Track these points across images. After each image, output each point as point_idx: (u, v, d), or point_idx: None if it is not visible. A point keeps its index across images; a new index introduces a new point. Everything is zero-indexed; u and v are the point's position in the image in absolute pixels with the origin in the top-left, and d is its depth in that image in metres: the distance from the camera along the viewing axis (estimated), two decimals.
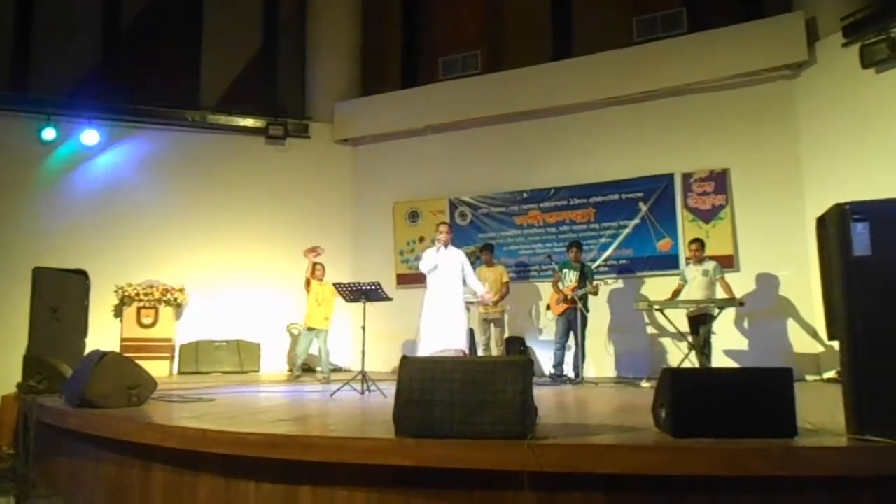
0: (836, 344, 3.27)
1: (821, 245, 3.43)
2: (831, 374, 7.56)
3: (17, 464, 5.66)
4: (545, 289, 9.24)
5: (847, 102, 7.99)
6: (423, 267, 7.08)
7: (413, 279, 9.68)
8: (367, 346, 6.68)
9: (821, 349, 7.95)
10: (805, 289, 7.90)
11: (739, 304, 7.48)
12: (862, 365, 3.04)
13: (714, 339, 7.75)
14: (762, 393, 3.18)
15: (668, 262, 8.98)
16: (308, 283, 8.54)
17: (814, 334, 8.04)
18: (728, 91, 8.97)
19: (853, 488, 2.82)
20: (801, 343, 8.20)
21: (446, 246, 7.11)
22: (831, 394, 4.31)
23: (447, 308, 6.99)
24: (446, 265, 7.10)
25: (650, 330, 8.96)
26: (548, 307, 8.61)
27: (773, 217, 8.52)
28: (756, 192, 8.69)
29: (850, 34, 7.88)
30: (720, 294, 7.75)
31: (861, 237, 3.09)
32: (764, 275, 8.49)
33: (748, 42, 8.68)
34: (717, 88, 9.01)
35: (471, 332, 8.30)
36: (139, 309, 9.69)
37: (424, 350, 6.76)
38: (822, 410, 3.80)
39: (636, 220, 9.25)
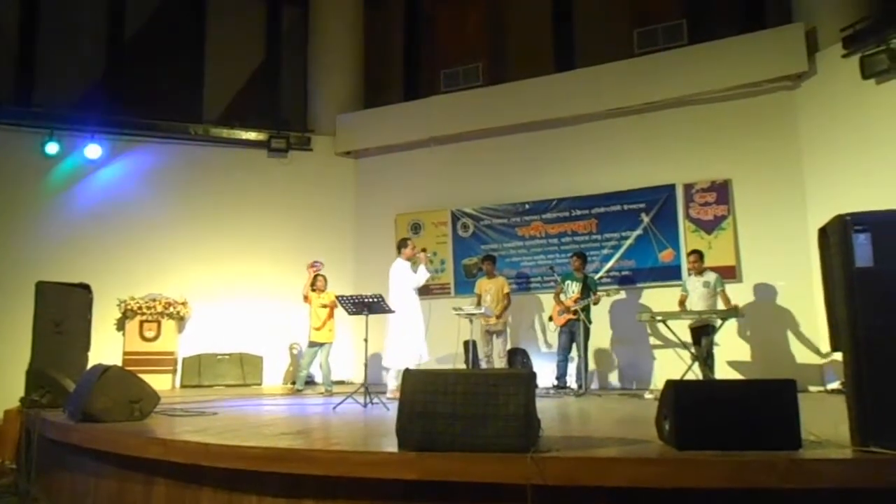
0: (839, 355, 3.26)
1: (823, 256, 3.42)
2: (835, 385, 7.54)
3: (20, 479, 5.64)
4: (547, 300, 9.23)
5: (848, 113, 8.00)
6: (417, 283, 7.50)
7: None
8: (369, 358, 6.66)
9: (824, 360, 7.93)
10: (808, 299, 7.88)
11: (740, 315, 7.45)
12: (865, 376, 3.03)
13: (717, 350, 7.73)
14: (766, 404, 3.17)
15: (671, 273, 8.96)
16: (306, 297, 8.54)
17: (817, 345, 8.02)
18: (729, 102, 8.99)
19: (858, 500, 2.80)
20: (805, 354, 8.18)
21: None
22: (835, 405, 4.29)
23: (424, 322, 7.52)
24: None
25: (653, 341, 8.94)
26: (550, 318, 8.60)
27: (775, 227, 8.52)
28: (758, 202, 8.69)
29: (850, 45, 7.91)
30: (722, 305, 7.74)
31: (863, 248, 3.09)
32: (766, 285, 8.48)
33: (749, 53, 8.71)
34: (718, 99, 9.03)
35: (473, 343, 8.31)
36: (142, 322, 9.70)
37: (410, 364, 6.92)
38: (826, 422, 3.78)
39: (638, 231, 9.25)
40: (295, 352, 10.23)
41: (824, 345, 7.73)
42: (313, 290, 8.52)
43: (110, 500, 4.30)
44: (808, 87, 8.56)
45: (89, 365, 6.08)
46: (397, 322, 7.29)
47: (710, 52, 8.99)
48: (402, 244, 7.75)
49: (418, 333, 7.32)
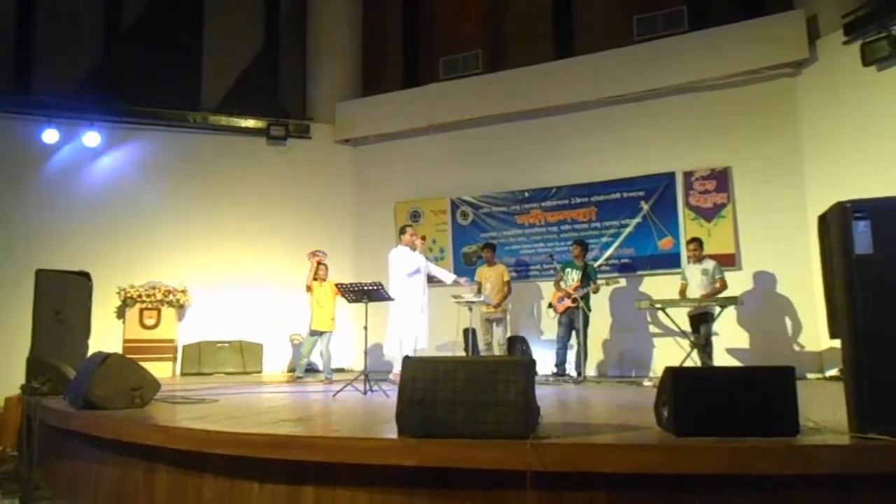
0: (837, 342, 3.27)
1: (822, 243, 3.42)
2: (833, 372, 7.57)
3: (21, 466, 5.67)
4: (547, 288, 9.24)
5: (848, 100, 7.99)
6: (409, 269, 7.29)
7: None
8: (369, 345, 6.67)
9: (823, 347, 7.95)
10: (807, 287, 7.90)
11: (739, 302, 7.46)
12: (864, 363, 3.04)
13: (716, 338, 7.75)
14: (764, 391, 3.18)
15: (670, 261, 8.97)
16: (309, 287, 8.52)
17: (815, 332, 8.03)
18: (729, 89, 8.97)
19: (856, 486, 2.82)
20: (803, 341, 8.21)
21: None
22: (834, 392, 4.31)
23: (424, 309, 7.43)
24: (423, 269, 7.56)
25: (652, 329, 8.96)
26: (549, 306, 8.61)
27: (774, 215, 8.52)
28: (758, 190, 8.69)
29: (851, 32, 7.89)
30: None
31: (863, 235, 3.09)
32: (765, 273, 8.49)
33: (749, 40, 8.68)
34: (718, 87, 9.01)
35: (472, 331, 8.33)
36: (141, 310, 9.71)
37: (407, 350, 6.90)
38: (824, 409, 3.80)
39: (638, 219, 9.25)
40: (296, 343, 10.22)
41: (823, 332, 7.75)
42: (315, 280, 8.52)
43: (112, 487, 4.33)
44: (809, 74, 8.54)
45: (89, 352, 6.09)
46: (394, 308, 7.31)
47: (711, 38, 8.96)
48: (401, 231, 7.78)
49: (412, 320, 7.28)
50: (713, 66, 8.91)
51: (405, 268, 7.38)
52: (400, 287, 7.29)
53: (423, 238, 7.90)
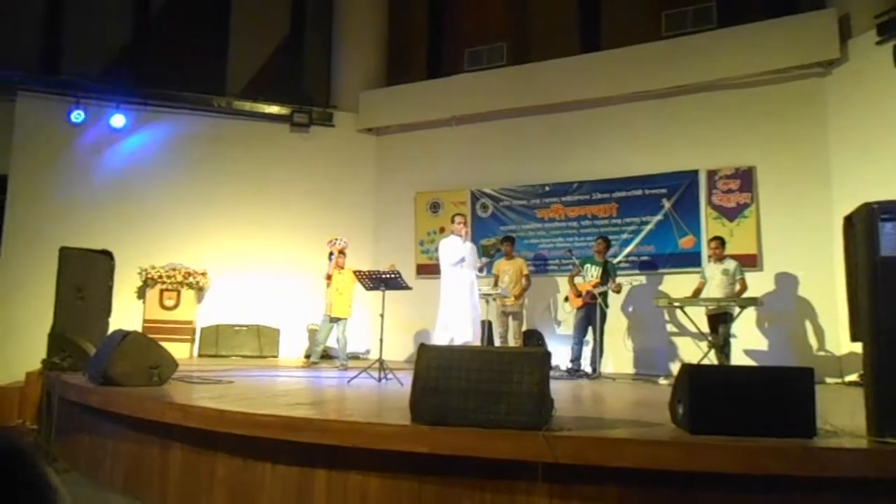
0: (858, 347, 3.22)
1: (847, 244, 3.38)
2: (853, 377, 7.46)
3: (40, 439, 5.77)
4: (564, 283, 9.20)
5: (878, 102, 7.84)
6: (453, 259, 7.20)
7: (432, 269, 9.68)
8: (385, 334, 6.69)
9: (843, 352, 7.85)
10: (829, 290, 7.79)
11: (759, 303, 7.39)
12: (885, 366, 3.00)
13: (734, 339, 7.68)
14: (782, 392, 3.15)
15: (691, 260, 8.89)
16: (329, 276, 8.56)
17: (836, 336, 7.93)
18: (757, 88, 8.84)
19: (871, 490, 2.79)
20: (824, 345, 8.11)
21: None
22: (853, 397, 4.26)
23: (472, 299, 7.26)
24: (470, 257, 7.32)
25: (670, 327, 8.89)
26: (566, 299, 8.58)
27: (798, 216, 8.40)
28: (782, 190, 8.57)
29: (884, 32, 7.73)
30: None
31: (889, 237, 3.05)
32: (787, 275, 8.39)
33: (779, 38, 8.54)
34: (746, 85, 8.89)
35: (489, 323, 8.31)
36: (162, 291, 9.80)
37: (446, 339, 6.86)
38: (842, 413, 3.75)
39: (659, 217, 9.17)
40: (314, 329, 10.24)
41: (844, 337, 7.64)
42: (336, 268, 8.54)
43: (127, 461, 4.39)
44: (839, 74, 8.39)
45: (110, 331, 6.17)
46: (441, 299, 7.28)
47: (740, 36, 8.82)
48: (451, 220, 7.75)
49: (457, 310, 7.15)
50: (741, 64, 8.78)
51: (450, 257, 7.30)
52: (446, 277, 7.26)
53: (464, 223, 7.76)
